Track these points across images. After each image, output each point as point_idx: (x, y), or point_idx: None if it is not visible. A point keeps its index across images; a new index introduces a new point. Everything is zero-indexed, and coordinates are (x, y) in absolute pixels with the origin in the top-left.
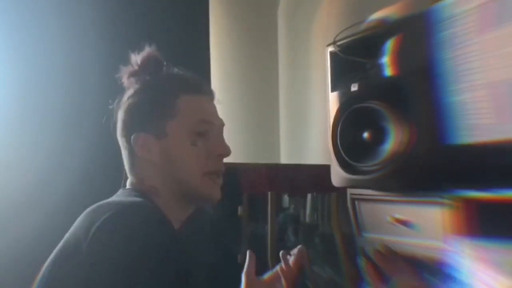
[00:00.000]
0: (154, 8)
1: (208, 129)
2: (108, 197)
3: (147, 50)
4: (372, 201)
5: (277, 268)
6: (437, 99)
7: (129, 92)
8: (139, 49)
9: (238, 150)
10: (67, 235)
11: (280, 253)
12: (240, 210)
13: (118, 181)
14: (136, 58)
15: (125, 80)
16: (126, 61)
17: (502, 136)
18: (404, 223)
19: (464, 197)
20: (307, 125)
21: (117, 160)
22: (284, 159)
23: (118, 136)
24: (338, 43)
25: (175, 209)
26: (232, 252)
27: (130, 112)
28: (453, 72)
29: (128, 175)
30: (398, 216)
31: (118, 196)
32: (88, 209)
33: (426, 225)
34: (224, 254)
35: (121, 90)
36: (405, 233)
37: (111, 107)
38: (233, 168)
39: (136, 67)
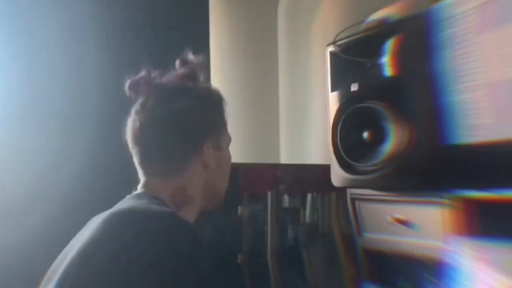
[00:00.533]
0: (154, 9)
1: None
2: (108, 198)
3: (200, 56)
4: (372, 201)
5: None
6: (437, 99)
7: (170, 93)
8: (186, 53)
9: (238, 150)
10: (86, 238)
11: None
12: (240, 210)
13: (118, 181)
14: (185, 62)
15: (168, 80)
16: (126, 61)
17: (502, 136)
18: (404, 223)
19: (464, 197)
20: (307, 125)
21: (117, 160)
22: (284, 159)
23: (153, 140)
24: (338, 43)
25: (193, 217)
26: (232, 252)
27: (191, 118)
28: (453, 72)
29: (158, 181)
30: (398, 216)
31: (141, 203)
32: (109, 215)
33: (426, 225)
34: (224, 254)
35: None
36: (405, 233)
37: (110, 105)
38: (233, 168)
39: (191, 70)
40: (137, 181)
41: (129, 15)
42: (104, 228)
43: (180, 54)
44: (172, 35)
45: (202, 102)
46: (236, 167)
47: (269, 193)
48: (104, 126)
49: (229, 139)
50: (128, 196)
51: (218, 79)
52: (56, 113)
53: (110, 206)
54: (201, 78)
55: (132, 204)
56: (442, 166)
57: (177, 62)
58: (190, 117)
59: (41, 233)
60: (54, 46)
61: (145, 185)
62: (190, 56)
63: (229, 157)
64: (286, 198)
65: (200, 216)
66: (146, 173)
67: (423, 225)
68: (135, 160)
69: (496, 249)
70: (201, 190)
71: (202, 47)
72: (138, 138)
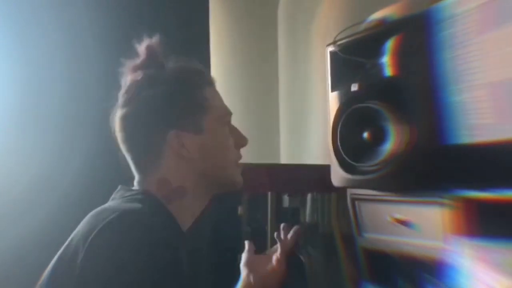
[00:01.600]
0: (154, 8)
1: (230, 120)
2: (107, 199)
3: (152, 39)
4: (372, 201)
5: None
6: (437, 99)
7: (137, 86)
8: (139, 40)
9: None
10: (69, 238)
11: (282, 225)
12: (240, 210)
13: (118, 182)
14: (142, 48)
15: (130, 74)
16: (126, 60)
17: (502, 136)
18: (404, 223)
19: (464, 197)
20: (307, 125)
21: (117, 161)
22: (284, 159)
23: (129, 134)
24: (338, 43)
25: (195, 206)
26: (232, 252)
27: (156, 108)
28: (453, 72)
29: (141, 175)
30: (398, 216)
31: (120, 199)
32: (92, 212)
33: (426, 225)
34: (224, 254)
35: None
36: (405, 233)
37: (106, 104)
38: None
39: (144, 58)
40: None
41: (129, 15)
42: (82, 226)
43: (137, 40)
44: (172, 35)
45: (162, 87)
46: None
47: (269, 193)
48: (104, 127)
49: (219, 117)
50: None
51: (218, 79)
52: (56, 114)
53: None
54: (160, 62)
55: (115, 201)
56: (442, 166)
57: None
58: (149, 107)
59: (40, 234)
60: (53, 46)
61: (136, 181)
62: (144, 43)
63: (221, 136)
64: (286, 198)
65: (210, 204)
66: (133, 169)
67: (423, 225)
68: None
69: (496, 250)
70: (194, 179)
71: (202, 47)
72: (118, 136)
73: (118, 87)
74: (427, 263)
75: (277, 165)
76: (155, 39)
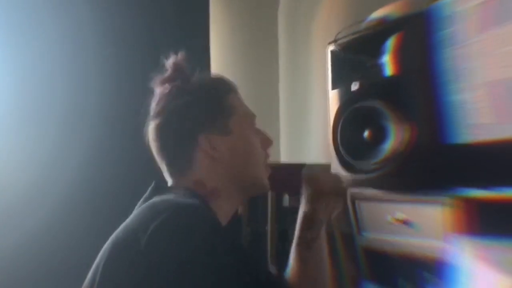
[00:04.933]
0: (154, 8)
1: (255, 122)
2: (107, 199)
3: (178, 56)
4: (372, 200)
5: None
6: (437, 98)
7: (167, 98)
8: (165, 55)
9: None
10: (122, 228)
11: None
12: (240, 210)
13: (118, 182)
14: (170, 63)
15: (158, 87)
16: (127, 61)
17: (502, 136)
18: (404, 222)
19: (464, 196)
20: (307, 125)
21: (117, 160)
22: (284, 159)
23: (163, 142)
24: (339, 41)
25: (229, 208)
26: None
27: (185, 115)
28: (454, 71)
29: (178, 179)
30: (398, 215)
31: (174, 195)
32: (146, 205)
33: (426, 224)
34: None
35: (121, 90)
36: (405, 232)
37: (140, 118)
38: None
39: (171, 72)
40: (136, 181)
41: (129, 15)
42: (138, 217)
43: (164, 56)
44: (172, 35)
45: (189, 97)
46: None
47: (269, 193)
48: (104, 127)
49: (245, 119)
50: (165, 188)
51: None
52: (56, 114)
53: (110, 206)
54: (186, 74)
55: (165, 196)
56: (442, 165)
57: (163, 67)
58: (179, 115)
59: (41, 233)
60: (54, 46)
61: (170, 185)
62: (171, 58)
63: (248, 136)
64: (286, 198)
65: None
66: (167, 175)
67: (424, 225)
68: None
69: (497, 249)
70: (225, 180)
71: (203, 47)
72: (152, 145)
73: (118, 87)
74: (427, 263)
75: (277, 165)
76: (180, 55)
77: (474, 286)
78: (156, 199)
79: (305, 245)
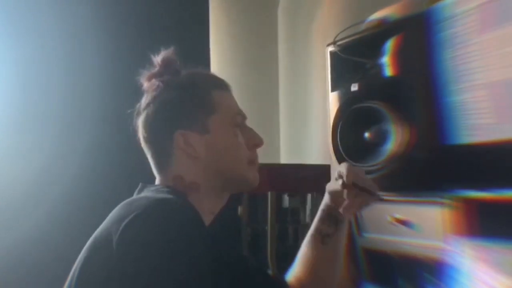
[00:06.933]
0: (154, 8)
1: (242, 121)
2: (109, 196)
3: (167, 51)
4: None
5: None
6: (437, 99)
7: (154, 93)
8: (156, 52)
9: None
10: (99, 228)
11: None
12: (240, 210)
13: (117, 182)
14: (158, 59)
15: (146, 82)
16: (126, 60)
17: (502, 136)
18: (404, 223)
19: (464, 197)
20: (307, 125)
21: (116, 161)
22: (284, 159)
23: (147, 136)
24: (338, 43)
25: (212, 203)
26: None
27: (165, 110)
28: (453, 72)
29: (159, 174)
30: (398, 216)
31: (150, 192)
32: (123, 203)
33: (426, 225)
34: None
35: (120, 89)
36: (405, 233)
37: (129, 111)
38: None
39: (159, 68)
40: (136, 181)
41: (128, 15)
42: (114, 214)
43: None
44: (172, 35)
45: (174, 93)
46: None
47: (269, 193)
48: (103, 127)
49: (227, 118)
50: (146, 187)
51: None
52: (56, 114)
53: (110, 206)
54: (175, 69)
55: (143, 193)
56: (442, 166)
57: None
58: (161, 110)
59: (40, 233)
60: (54, 45)
61: (156, 181)
62: (160, 53)
63: (228, 136)
64: (286, 198)
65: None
66: (154, 170)
67: (423, 225)
68: None
69: (496, 249)
70: (205, 176)
71: (202, 47)
72: (140, 139)
73: (117, 88)
74: (427, 263)
75: (277, 165)
76: (171, 50)
77: (473, 287)
78: (132, 197)
79: (320, 238)
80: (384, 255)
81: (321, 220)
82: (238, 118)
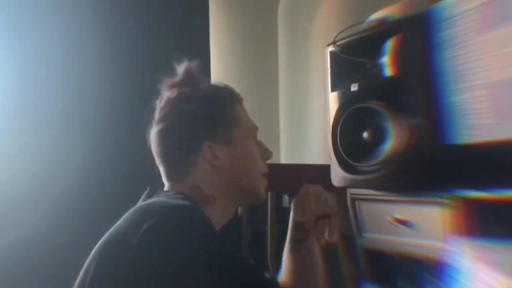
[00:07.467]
0: (154, 8)
1: (256, 134)
2: (109, 196)
3: (190, 62)
4: (372, 201)
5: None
6: (437, 99)
7: (172, 103)
8: (179, 61)
9: None
10: (111, 231)
11: None
12: (240, 210)
13: (117, 182)
14: (181, 69)
15: (166, 90)
16: (126, 61)
17: (502, 136)
18: (404, 223)
19: (464, 197)
20: (307, 125)
21: (115, 161)
22: (284, 159)
23: (166, 145)
24: (338, 43)
25: (224, 215)
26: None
27: (191, 122)
28: (453, 72)
29: (174, 182)
30: (398, 216)
31: (163, 197)
32: (136, 207)
33: (426, 225)
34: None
35: (120, 91)
36: (405, 233)
37: (143, 120)
38: None
39: (181, 77)
40: (136, 182)
41: (129, 16)
42: (130, 217)
43: (177, 61)
44: (172, 36)
45: (196, 104)
46: None
47: (269, 193)
48: (103, 127)
49: (247, 131)
50: (157, 193)
51: (218, 80)
52: (56, 114)
53: (109, 206)
54: (196, 82)
55: (157, 198)
56: (442, 166)
57: (174, 71)
58: (184, 122)
59: (40, 233)
60: (54, 45)
61: (166, 188)
62: (183, 64)
63: (249, 148)
64: (286, 198)
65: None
66: (165, 179)
67: (423, 225)
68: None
69: (496, 250)
70: (223, 189)
71: (202, 47)
72: (153, 149)
73: (118, 88)
74: (427, 263)
75: (277, 165)
76: (194, 62)
77: (473, 287)
78: (146, 202)
79: (295, 244)
80: (384, 255)
81: (294, 228)
82: (255, 132)
